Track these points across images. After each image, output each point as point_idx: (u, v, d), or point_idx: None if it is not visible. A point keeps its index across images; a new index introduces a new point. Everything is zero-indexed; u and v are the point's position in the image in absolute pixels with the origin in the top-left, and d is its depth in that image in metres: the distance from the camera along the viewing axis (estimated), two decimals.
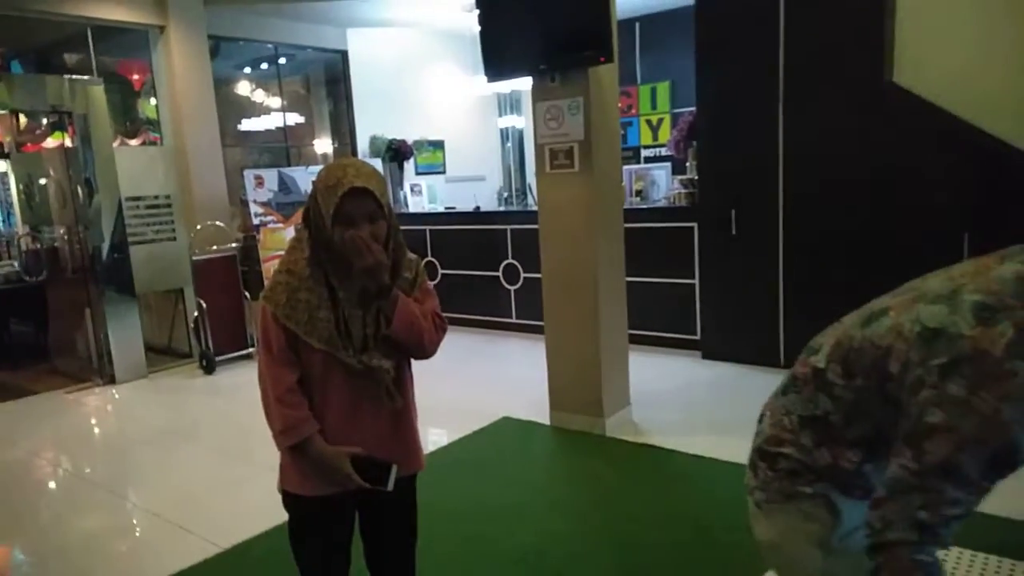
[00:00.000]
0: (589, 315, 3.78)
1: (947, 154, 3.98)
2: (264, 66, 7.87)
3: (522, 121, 9.53)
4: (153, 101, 6.45)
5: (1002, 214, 3.98)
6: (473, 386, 4.80)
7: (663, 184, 5.96)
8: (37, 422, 4.89)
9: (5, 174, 7.70)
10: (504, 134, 9.67)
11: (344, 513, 1.73)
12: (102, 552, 3.05)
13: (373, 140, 7.86)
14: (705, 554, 2.65)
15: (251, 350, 6.10)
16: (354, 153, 8.03)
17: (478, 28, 3.77)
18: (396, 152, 7.68)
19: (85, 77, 5.67)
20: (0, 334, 6.89)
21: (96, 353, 5.72)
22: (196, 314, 5.83)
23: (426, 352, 1.68)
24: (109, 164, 5.60)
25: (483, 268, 6.31)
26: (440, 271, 6.52)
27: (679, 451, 3.55)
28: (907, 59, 4.07)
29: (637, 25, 7.92)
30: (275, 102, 7.92)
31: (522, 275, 6.13)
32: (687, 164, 5.45)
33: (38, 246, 6.18)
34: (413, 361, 1.76)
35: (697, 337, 5.15)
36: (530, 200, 8.32)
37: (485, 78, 3.86)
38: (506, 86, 8.48)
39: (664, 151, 7.40)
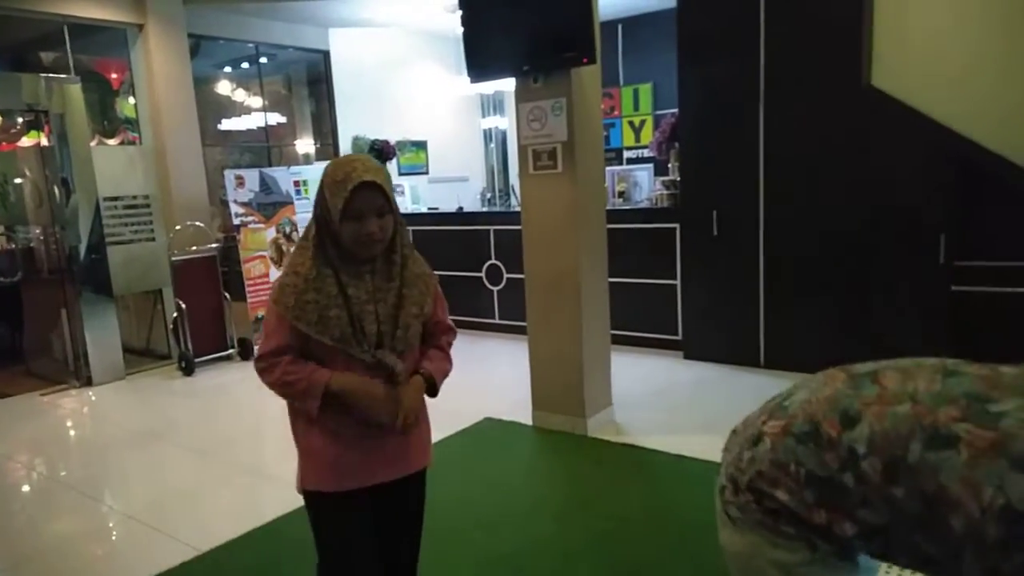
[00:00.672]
0: (572, 315, 3.79)
1: (924, 157, 4.04)
2: (245, 65, 7.81)
3: (505, 122, 9.53)
4: (132, 100, 6.37)
5: (978, 218, 4.05)
6: (455, 386, 4.69)
7: (645, 185, 5.98)
8: (11, 424, 4.80)
9: None
10: (487, 135, 9.67)
11: (363, 504, 1.71)
12: (77, 556, 2.99)
13: (355, 140, 7.82)
14: (686, 554, 2.65)
15: (231, 352, 6.05)
16: (336, 153, 7.99)
17: (461, 28, 3.76)
18: (379, 152, 7.65)
19: (62, 76, 5.59)
20: None
21: (72, 354, 5.63)
22: (175, 315, 5.77)
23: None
24: (86, 164, 5.53)
25: (466, 269, 6.31)
26: None
27: (661, 451, 3.56)
28: (885, 63, 4.12)
29: (619, 27, 7.96)
30: (256, 102, 7.86)
31: (505, 275, 6.13)
32: (669, 166, 5.48)
33: (13, 246, 6.08)
34: None
35: (679, 337, 5.17)
36: (513, 201, 8.33)
37: (468, 79, 3.86)
38: (489, 87, 8.47)
39: (646, 152, 7.42)
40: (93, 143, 5.81)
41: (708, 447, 3.44)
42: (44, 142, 5.64)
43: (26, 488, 3.84)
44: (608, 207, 4.22)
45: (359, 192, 1.53)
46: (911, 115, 4.02)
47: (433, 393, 1.76)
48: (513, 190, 8.64)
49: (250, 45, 7.49)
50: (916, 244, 4.11)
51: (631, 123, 8.34)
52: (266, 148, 7.98)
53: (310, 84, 8.39)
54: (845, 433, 1.16)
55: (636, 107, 8.25)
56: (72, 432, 4.79)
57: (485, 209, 7.79)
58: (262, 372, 1.63)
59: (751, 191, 4.61)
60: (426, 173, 8.53)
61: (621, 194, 5.97)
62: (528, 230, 3.89)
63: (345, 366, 1.61)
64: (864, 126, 4.17)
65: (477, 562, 2.69)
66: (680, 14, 4.85)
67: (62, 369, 5.72)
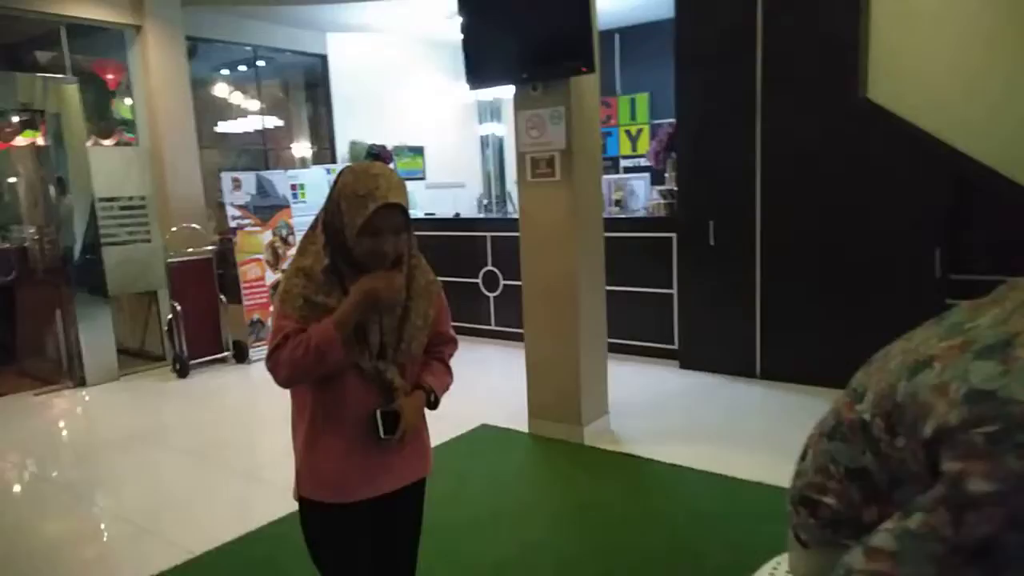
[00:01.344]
0: (569, 323, 3.79)
1: (921, 170, 4.06)
2: (242, 68, 7.81)
3: (502, 128, 9.56)
4: (128, 101, 6.36)
5: (974, 232, 4.07)
6: (451, 393, 4.73)
7: (642, 194, 6.01)
8: (3, 424, 4.78)
9: None
10: (484, 141, 9.70)
11: (362, 513, 1.69)
12: (69, 558, 2.98)
13: (353, 145, 7.84)
14: (681, 563, 2.66)
15: (226, 354, 6.03)
16: (333, 158, 7.99)
17: (460, 35, 3.78)
18: (376, 157, 7.66)
19: (59, 76, 5.58)
20: None
21: (66, 355, 5.61)
22: (170, 317, 5.75)
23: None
24: (82, 164, 5.52)
25: (462, 275, 6.31)
26: None
27: (656, 460, 3.56)
28: (882, 77, 4.15)
29: (617, 36, 8.00)
30: (253, 105, 7.86)
31: (501, 282, 6.13)
32: (666, 175, 5.50)
33: (7, 245, 6.06)
34: None
35: (675, 347, 5.18)
36: (510, 207, 8.35)
37: (466, 85, 3.87)
38: (487, 94, 8.51)
39: (643, 161, 7.47)
40: (89, 143, 5.80)
41: (703, 456, 3.46)
42: (40, 142, 5.62)
43: (17, 488, 3.81)
44: (604, 215, 4.23)
45: (380, 211, 1.49)
46: (908, 128, 4.05)
47: (434, 406, 1.76)
48: (509, 197, 8.67)
49: (248, 48, 7.50)
50: (912, 256, 4.13)
51: (628, 132, 8.38)
52: (263, 151, 7.98)
53: (307, 88, 8.39)
54: (856, 407, 1.16)
55: (633, 116, 8.29)
56: (65, 432, 4.77)
57: (482, 215, 7.81)
58: (274, 369, 1.58)
59: (748, 201, 4.63)
60: (423, 179, 8.54)
61: (618, 203, 5.99)
62: (525, 237, 3.90)
63: (344, 371, 1.60)
64: (861, 138, 4.20)
65: (472, 569, 2.69)
66: (678, 24, 4.88)
67: (56, 369, 5.69)
